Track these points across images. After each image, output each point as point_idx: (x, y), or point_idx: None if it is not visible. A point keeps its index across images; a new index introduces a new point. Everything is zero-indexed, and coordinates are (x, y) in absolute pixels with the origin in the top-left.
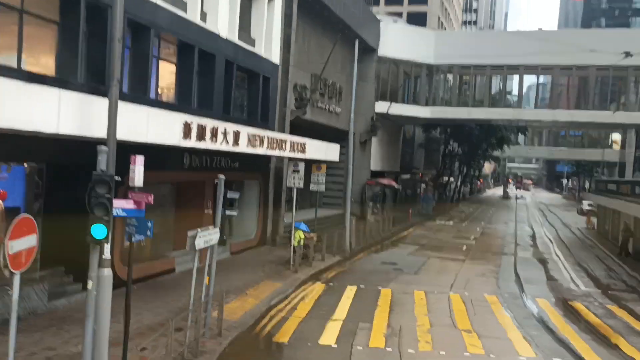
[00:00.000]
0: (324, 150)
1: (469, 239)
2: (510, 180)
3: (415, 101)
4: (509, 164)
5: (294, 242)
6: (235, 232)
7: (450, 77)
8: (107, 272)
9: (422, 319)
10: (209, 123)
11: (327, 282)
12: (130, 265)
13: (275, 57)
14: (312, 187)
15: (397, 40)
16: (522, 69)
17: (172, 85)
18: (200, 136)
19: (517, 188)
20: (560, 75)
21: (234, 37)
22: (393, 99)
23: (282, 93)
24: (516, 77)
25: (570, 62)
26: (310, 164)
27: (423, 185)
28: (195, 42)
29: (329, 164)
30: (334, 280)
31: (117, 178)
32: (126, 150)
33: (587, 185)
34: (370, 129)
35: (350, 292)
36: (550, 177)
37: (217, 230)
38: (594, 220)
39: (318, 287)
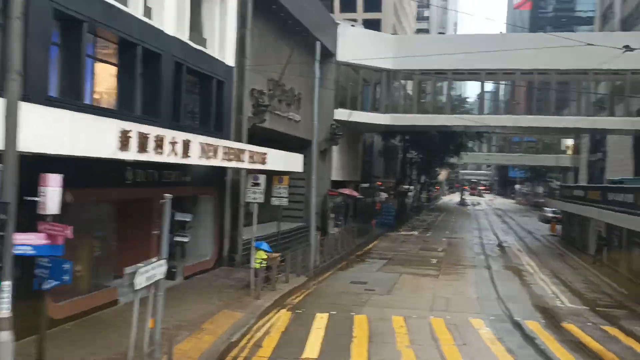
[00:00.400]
0: (286, 161)
1: (437, 250)
2: (465, 187)
3: (375, 108)
4: (461, 171)
5: (255, 264)
6: (188, 253)
7: (410, 83)
8: (5, 336)
9: (407, 354)
10: (153, 131)
11: (294, 309)
12: (43, 323)
13: (229, 59)
14: (274, 201)
15: (355, 45)
16: (484, 74)
17: (112, 89)
18: (142, 147)
19: (471, 194)
20: (521, 80)
21: (184, 36)
22: (353, 106)
23: (238, 99)
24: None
25: (531, 66)
26: (270, 175)
27: (384, 195)
28: (139, 39)
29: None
30: (301, 306)
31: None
32: (54, 166)
33: (539, 190)
34: (330, 137)
35: (321, 320)
36: (502, 183)
37: (163, 262)
38: (558, 227)
39: (284, 316)
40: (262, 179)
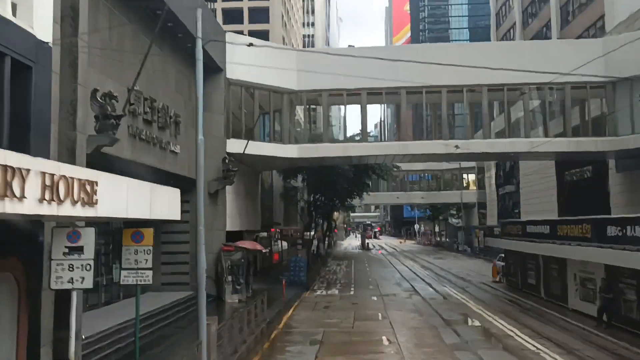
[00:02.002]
0: (147, 200)
1: (377, 318)
2: (368, 229)
3: (277, 138)
4: (352, 214)
5: None
6: None
7: (319, 106)
8: None
9: None
10: None
11: None
12: None
13: (43, 29)
14: (126, 278)
15: (249, 60)
16: (404, 93)
17: None
18: None
19: (367, 237)
20: (448, 99)
21: None
22: (249, 135)
23: (67, 104)
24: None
25: (459, 82)
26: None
27: (283, 244)
28: None
29: (163, 227)
30: None
31: None
32: None
33: (436, 229)
34: (223, 174)
35: None
36: (396, 224)
37: None
38: (500, 272)
39: None
40: (86, 236)
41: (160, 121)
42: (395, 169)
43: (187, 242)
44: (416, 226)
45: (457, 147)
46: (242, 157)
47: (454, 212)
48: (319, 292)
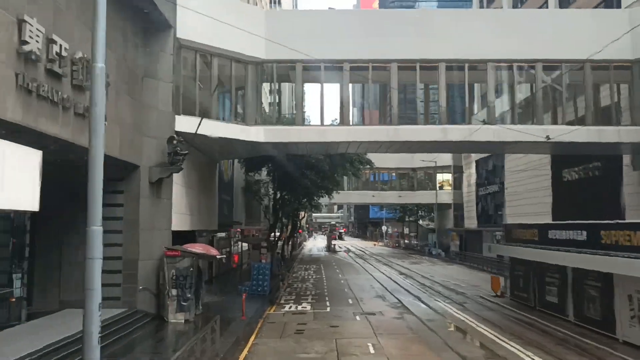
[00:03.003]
0: None
1: (370, 352)
2: (336, 229)
3: (239, 117)
4: (314, 214)
5: None
6: None
7: (290, 79)
8: None
9: None
10: None
11: None
12: None
13: None
14: None
15: (206, 19)
16: (395, 65)
17: None
18: None
19: (333, 238)
20: (447, 77)
21: None
22: (205, 112)
23: None
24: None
25: (460, 55)
26: None
27: (244, 246)
28: None
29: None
30: None
31: None
32: None
33: (406, 231)
34: (169, 159)
35: None
36: (361, 225)
37: None
38: (502, 283)
39: None
40: None
41: (75, 77)
42: (368, 167)
43: (119, 245)
44: (384, 227)
45: (484, 122)
46: (194, 140)
47: (423, 214)
48: (287, 308)
